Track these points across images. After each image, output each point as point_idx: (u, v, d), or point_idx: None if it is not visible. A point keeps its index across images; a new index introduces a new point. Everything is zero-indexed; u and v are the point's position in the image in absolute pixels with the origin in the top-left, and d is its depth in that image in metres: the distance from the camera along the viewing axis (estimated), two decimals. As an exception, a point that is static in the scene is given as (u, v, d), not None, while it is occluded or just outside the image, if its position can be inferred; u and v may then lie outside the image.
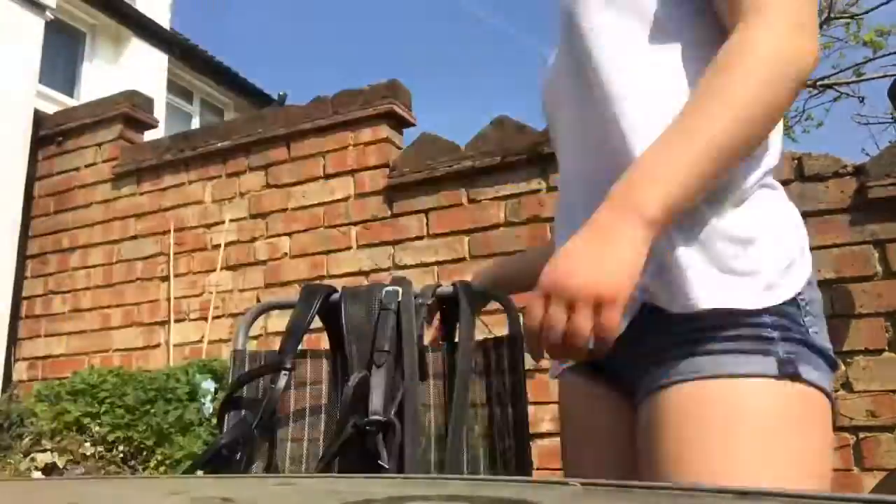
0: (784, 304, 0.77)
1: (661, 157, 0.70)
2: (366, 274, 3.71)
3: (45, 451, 3.63)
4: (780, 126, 0.83)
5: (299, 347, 1.11)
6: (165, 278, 4.37)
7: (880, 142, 12.17)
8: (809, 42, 0.72)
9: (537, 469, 2.87)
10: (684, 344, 0.77)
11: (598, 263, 0.67)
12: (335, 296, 1.14)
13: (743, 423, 0.73)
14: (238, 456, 1.00)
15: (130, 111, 4.86)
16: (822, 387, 0.76)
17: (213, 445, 1.00)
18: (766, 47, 0.71)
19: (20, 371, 4.72)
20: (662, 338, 0.79)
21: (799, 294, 0.79)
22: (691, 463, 0.72)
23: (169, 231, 4.41)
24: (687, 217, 0.76)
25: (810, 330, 0.78)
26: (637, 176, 0.71)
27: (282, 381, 1.07)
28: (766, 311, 0.76)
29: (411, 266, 3.61)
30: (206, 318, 4.16)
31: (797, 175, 2.88)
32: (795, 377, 0.74)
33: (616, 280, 0.67)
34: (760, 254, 0.77)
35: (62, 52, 7.37)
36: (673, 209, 0.70)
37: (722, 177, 0.73)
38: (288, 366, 1.08)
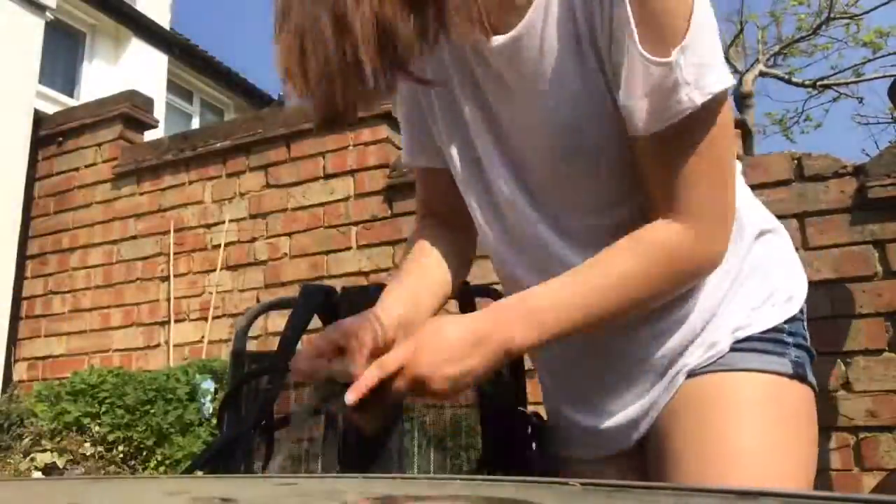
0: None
1: (554, 308, 0.75)
2: (366, 274, 3.71)
3: (45, 451, 3.63)
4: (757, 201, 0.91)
5: (298, 348, 1.11)
6: (165, 278, 4.37)
7: (880, 142, 12.19)
8: (721, 243, 0.77)
9: (537, 469, 2.86)
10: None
11: (462, 375, 0.72)
12: (334, 296, 1.14)
13: (767, 409, 0.82)
14: (237, 456, 1.00)
15: (130, 111, 4.86)
16: (816, 388, 0.87)
17: (212, 445, 1.00)
18: (680, 257, 0.75)
19: (20, 371, 4.72)
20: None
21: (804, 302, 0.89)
22: (722, 432, 0.81)
23: (169, 231, 4.41)
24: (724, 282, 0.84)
25: (807, 335, 0.88)
26: (525, 311, 0.74)
27: (280, 382, 1.07)
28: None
29: (411, 266, 3.60)
30: (206, 318, 4.16)
31: (797, 175, 2.87)
32: (803, 378, 0.84)
33: (462, 390, 0.75)
34: (775, 272, 0.88)
35: (62, 52, 7.38)
36: (531, 348, 0.77)
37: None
38: (287, 366, 1.08)
